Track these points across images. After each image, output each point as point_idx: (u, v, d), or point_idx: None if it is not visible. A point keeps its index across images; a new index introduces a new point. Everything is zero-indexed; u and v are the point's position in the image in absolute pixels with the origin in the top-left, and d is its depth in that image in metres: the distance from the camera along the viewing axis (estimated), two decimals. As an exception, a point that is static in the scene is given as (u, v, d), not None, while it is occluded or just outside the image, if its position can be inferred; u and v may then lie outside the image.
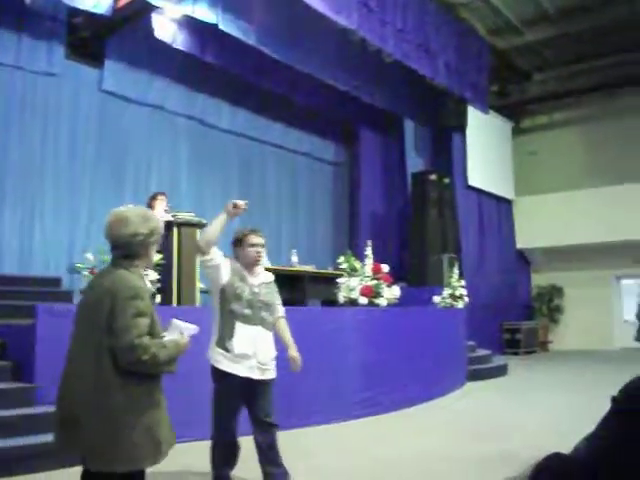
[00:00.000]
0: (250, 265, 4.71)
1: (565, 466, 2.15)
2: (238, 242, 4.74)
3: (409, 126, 15.83)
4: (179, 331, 3.20)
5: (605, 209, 17.26)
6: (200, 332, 3.36)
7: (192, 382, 4.68)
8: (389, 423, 7.92)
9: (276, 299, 4.88)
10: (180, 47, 10.86)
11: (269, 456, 4.67)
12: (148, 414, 3.01)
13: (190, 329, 3.24)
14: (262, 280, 4.78)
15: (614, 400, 2.04)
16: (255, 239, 4.72)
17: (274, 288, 4.90)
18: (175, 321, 3.23)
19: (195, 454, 4.79)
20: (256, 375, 4.55)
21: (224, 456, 4.70)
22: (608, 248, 18.04)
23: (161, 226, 3.31)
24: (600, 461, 1.98)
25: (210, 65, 11.59)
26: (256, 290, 4.66)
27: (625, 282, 18.87)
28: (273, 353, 4.72)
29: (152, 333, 3.04)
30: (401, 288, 9.70)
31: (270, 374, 4.67)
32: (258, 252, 4.72)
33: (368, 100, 13.79)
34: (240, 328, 4.53)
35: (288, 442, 4.97)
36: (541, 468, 2.21)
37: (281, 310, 4.92)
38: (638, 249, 17.69)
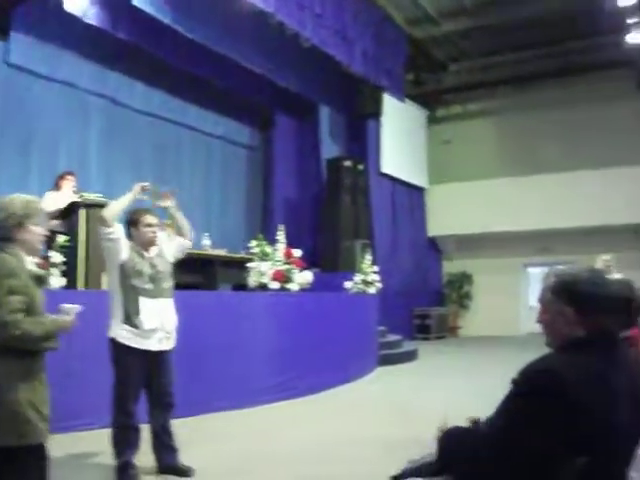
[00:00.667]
0: (146, 245, 4.74)
1: (469, 439, 2.19)
2: (134, 222, 4.73)
3: (325, 112, 15.81)
4: (65, 313, 3.28)
5: (514, 199, 17.77)
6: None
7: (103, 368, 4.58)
8: (301, 408, 7.91)
9: (169, 257, 4.92)
10: (92, 22, 10.41)
11: (164, 439, 4.73)
12: (32, 392, 3.07)
13: (74, 308, 3.31)
14: (155, 252, 4.82)
15: (514, 382, 2.07)
16: (152, 219, 4.75)
17: (164, 254, 4.89)
18: (62, 305, 3.31)
19: (93, 442, 4.69)
20: (164, 345, 4.67)
21: (128, 441, 4.63)
22: (516, 237, 18.60)
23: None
24: (501, 442, 2.01)
25: (124, 42, 11.16)
26: (154, 262, 4.72)
27: (532, 270, 19.44)
28: (176, 320, 4.82)
29: (30, 312, 3.06)
30: (314, 273, 9.70)
31: (173, 342, 4.78)
32: (154, 232, 4.76)
33: (284, 85, 13.69)
34: (145, 303, 4.58)
35: (196, 427, 4.91)
36: (445, 438, 2.26)
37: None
38: (545, 238, 18.29)
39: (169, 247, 4.93)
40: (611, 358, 2.11)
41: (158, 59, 11.99)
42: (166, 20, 10.23)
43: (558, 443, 1.94)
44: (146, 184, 4.72)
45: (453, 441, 2.28)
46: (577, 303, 2.12)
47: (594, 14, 14.08)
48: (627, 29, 14.45)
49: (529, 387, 2.02)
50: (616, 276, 4.52)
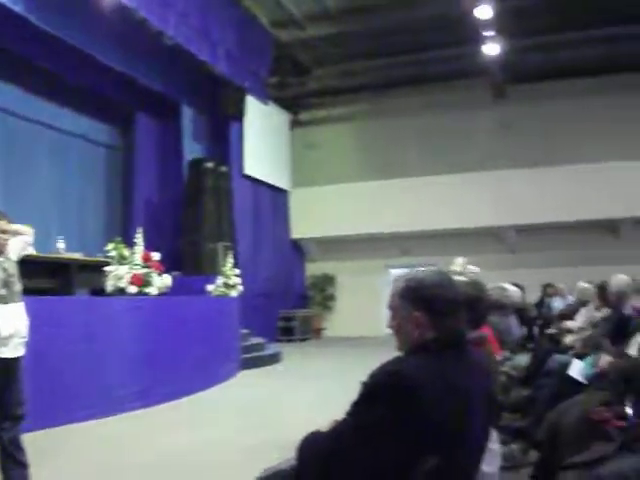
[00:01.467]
0: None
1: (321, 444, 2.18)
2: None
3: (187, 113, 15.54)
4: None
5: (376, 202, 18.19)
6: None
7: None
8: (162, 415, 7.76)
9: (14, 257, 4.69)
10: None
11: (13, 454, 4.45)
12: None
13: None
14: (3, 256, 4.61)
15: (363, 385, 2.07)
16: (6, 226, 4.58)
17: (9, 255, 4.67)
18: None
19: None
20: (19, 351, 4.50)
21: None
22: (378, 239, 19.03)
23: None
24: (350, 445, 2.01)
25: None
26: (5, 266, 4.54)
27: (393, 271, 19.89)
28: (27, 322, 4.64)
29: None
30: (175, 277, 9.55)
31: (25, 346, 4.60)
32: (6, 240, 4.58)
33: (146, 84, 13.39)
34: (1, 310, 4.39)
35: (49, 440, 4.71)
36: (304, 445, 2.24)
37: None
38: (406, 240, 18.81)
39: (12, 247, 4.69)
40: (460, 359, 2.15)
41: (10, 51, 11.32)
42: (17, 8, 9.74)
43: (408, 445, 1.94)
44: None
45: (309, 447, 2.26)
46: (425, 307, 2.14)
47: (453, 25, 14.65)
48: (483, 41, 15.13)
49: (378, 389, 2.02)
50: (469, 277, 4.69)
